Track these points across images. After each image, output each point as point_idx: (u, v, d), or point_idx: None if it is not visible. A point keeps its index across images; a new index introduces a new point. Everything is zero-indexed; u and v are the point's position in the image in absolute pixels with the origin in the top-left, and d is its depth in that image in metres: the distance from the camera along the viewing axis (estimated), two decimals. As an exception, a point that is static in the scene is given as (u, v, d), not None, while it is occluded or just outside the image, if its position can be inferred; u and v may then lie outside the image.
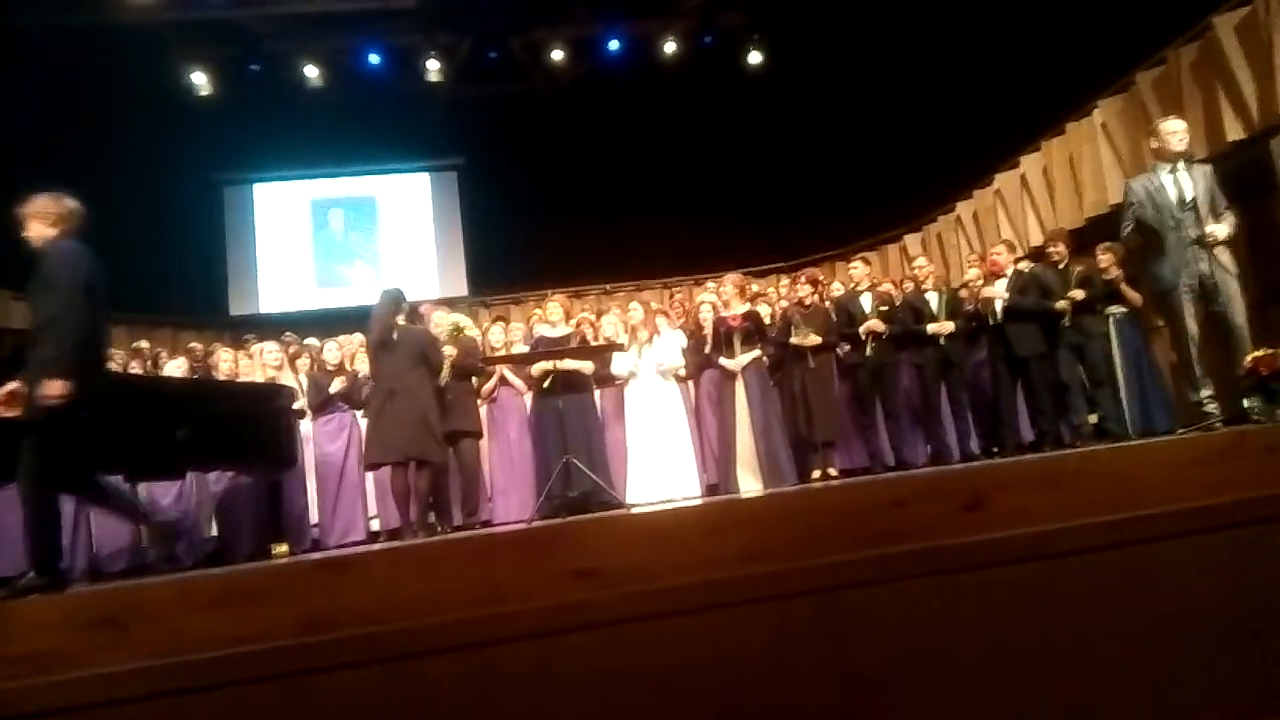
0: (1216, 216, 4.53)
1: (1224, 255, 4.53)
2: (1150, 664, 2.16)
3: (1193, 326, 4.58)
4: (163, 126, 10.29)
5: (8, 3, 8.98)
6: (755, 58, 11.25)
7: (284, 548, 5.58)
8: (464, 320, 6.29)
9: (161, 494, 5.81)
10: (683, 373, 6.65)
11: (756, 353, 6.36)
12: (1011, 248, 6.86)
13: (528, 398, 6.51)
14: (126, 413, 4.05)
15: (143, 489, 5.76)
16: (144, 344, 7.26)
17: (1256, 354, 3.91)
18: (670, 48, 11.14)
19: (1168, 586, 2.18)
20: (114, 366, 6.36)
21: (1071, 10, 7.79)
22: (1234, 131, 6.33)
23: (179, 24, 10.22)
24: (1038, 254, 7.52)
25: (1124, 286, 6.10)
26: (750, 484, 6.17)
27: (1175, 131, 4.73)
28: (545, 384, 6.02)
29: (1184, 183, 4.62)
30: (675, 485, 6.19)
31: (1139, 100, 7.24)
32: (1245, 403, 4.02)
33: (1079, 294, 6.04)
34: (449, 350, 5.73)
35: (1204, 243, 4.47)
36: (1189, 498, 2.33)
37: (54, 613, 2.25)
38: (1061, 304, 6.04)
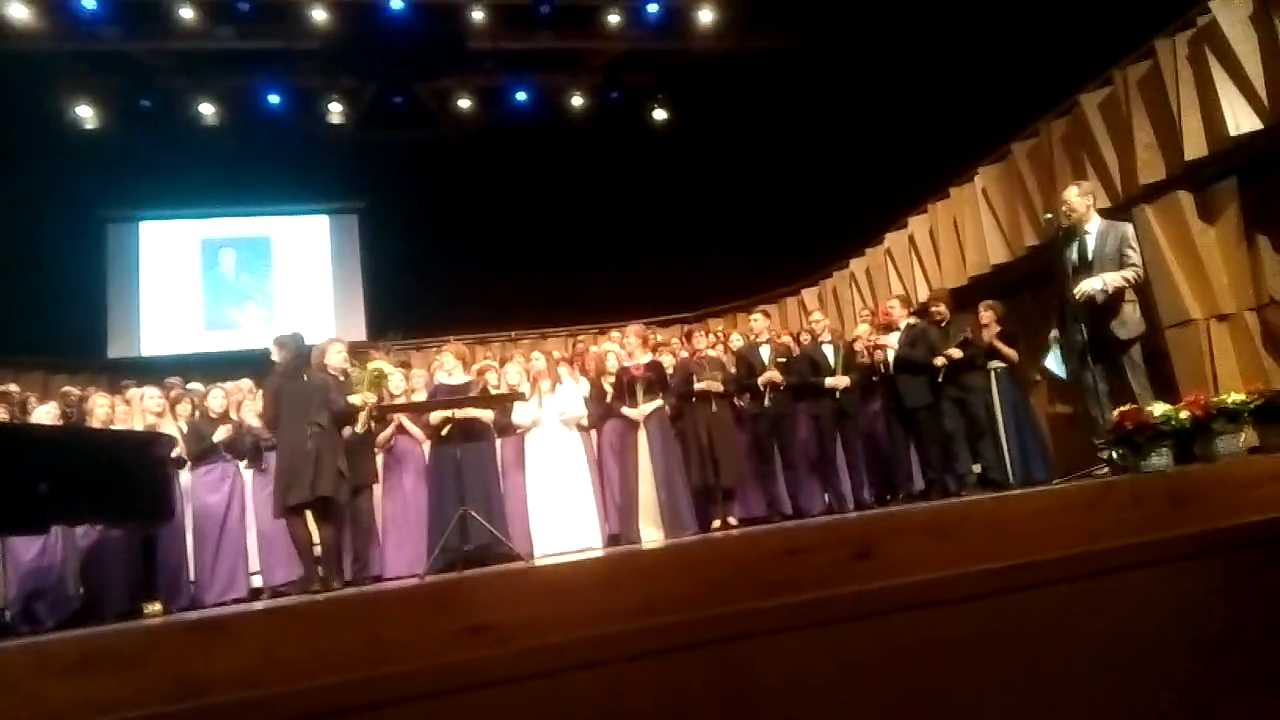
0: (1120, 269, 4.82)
1: (1120, 314, 4.79)
2: (1029, 709, 2.24)
3: (1086, 379, 4.86)
4: (45, 160, 9.83)
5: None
6: (660, 115, 11.53)
7: (157, 606, 5.24)
8: (386, 366, 6.11)
9: (24, 549, 5.41)
10: (585, 422, 6.64)
11: (659, 402, 6.42)
12: (906, 302, 7.19)
13: (426, 446, 6.36)
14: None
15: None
16: (12, 388, 6.78)
17: (1122, 408, 4.15)
18: (577, 101, 11.33)
19: (1043, 633, 2.28)
20: (-26, 412, 5.93)
21: (952, 84, 8.32)
22: (1100, 200, 6.80)
23: (66, 54, 9.81)
24: (923, 310, 7.88)
25: (998, 343, 6.44)
26: (652, 534, 6.18)
27: (1063, 200, 5.09)
28: (444, 432, 5.91)
29: (1087, 244, 4.95)
30: (576, 536, 6.13)
31: (1015, 168, 7.73)
32: (1113, 455, 4.26)
33: (956, 353, 6.30)
34: (369, 397, 5.59)
35: (1076, 300, 4.79)
36: (1062, 546, 2.44)
37: (-111, 683, 2.05)
38: (938, 360, 6.32)
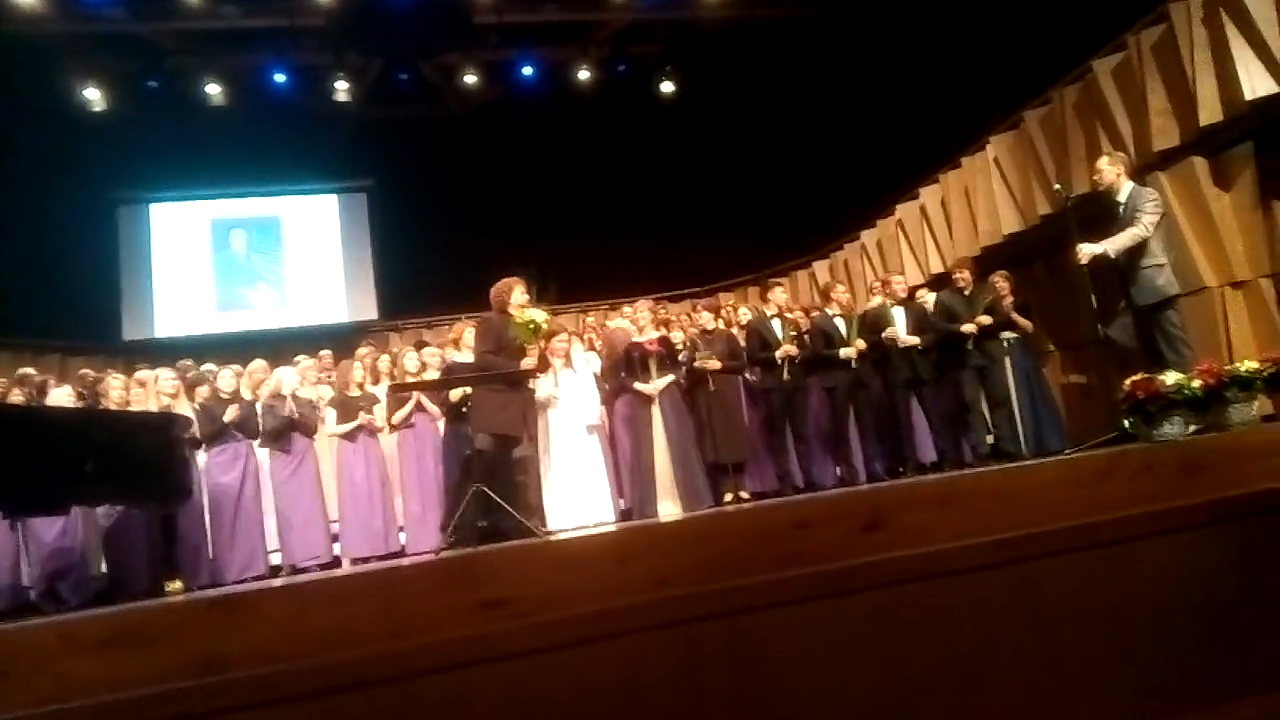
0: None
1: (1137, 280, 4.85)
2: (1040, 678, 2.26)
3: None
4: (54, 143, 9.82)
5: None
6: (668, 87, 11.41)
7: (179, 584, 5.32)
8: (540, 316, 5.69)
9: (45, 529, 5.49)
10: (598, 398, 6.65)
11: (671, 377, 6.43)
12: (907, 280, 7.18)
13: (441, 424, 6.41)
14: (6, 445, 3.84)
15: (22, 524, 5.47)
16: (30, 371, 6.86)
17: (1134, 378, 4.13)
18: (584, 75, 11.22)
19: (1054, 603, 2.30)
20: (-6, 395, 6.01)
21: (964, 51, 8.22)
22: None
23: (73, 36, 9.79)
24: (941, 280, 7.82)
25: (1013, 314, 6.42)
26: (669, 508, 6.20)
27: (1096, 169, 5.19)
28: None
29: (1119, 213, 5.03)
30: (590, 511, 6.17)
31: (1027, 136, 7.65)
32: (1125, 424, 4.25)
33: (986, 319, 6.31)
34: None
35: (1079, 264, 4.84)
36: (1071, 516, 2.45)
37: (-80, 661, 2.10)
38: (969, 327, 6.31)
